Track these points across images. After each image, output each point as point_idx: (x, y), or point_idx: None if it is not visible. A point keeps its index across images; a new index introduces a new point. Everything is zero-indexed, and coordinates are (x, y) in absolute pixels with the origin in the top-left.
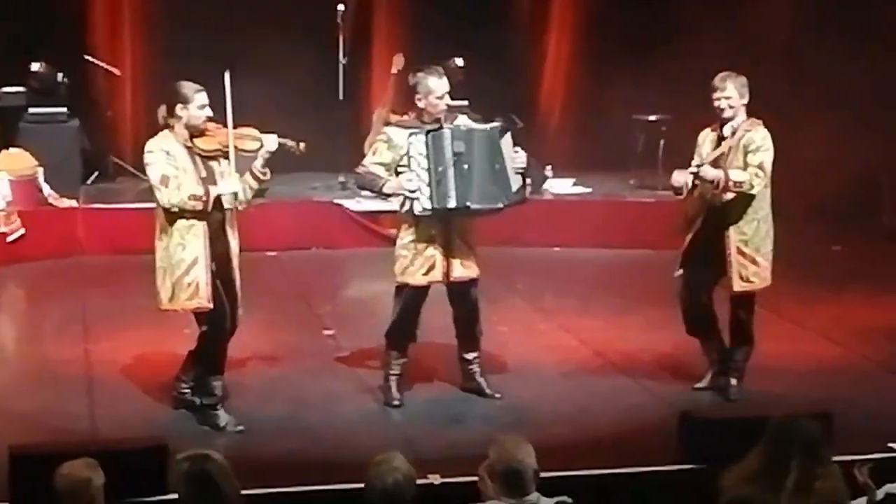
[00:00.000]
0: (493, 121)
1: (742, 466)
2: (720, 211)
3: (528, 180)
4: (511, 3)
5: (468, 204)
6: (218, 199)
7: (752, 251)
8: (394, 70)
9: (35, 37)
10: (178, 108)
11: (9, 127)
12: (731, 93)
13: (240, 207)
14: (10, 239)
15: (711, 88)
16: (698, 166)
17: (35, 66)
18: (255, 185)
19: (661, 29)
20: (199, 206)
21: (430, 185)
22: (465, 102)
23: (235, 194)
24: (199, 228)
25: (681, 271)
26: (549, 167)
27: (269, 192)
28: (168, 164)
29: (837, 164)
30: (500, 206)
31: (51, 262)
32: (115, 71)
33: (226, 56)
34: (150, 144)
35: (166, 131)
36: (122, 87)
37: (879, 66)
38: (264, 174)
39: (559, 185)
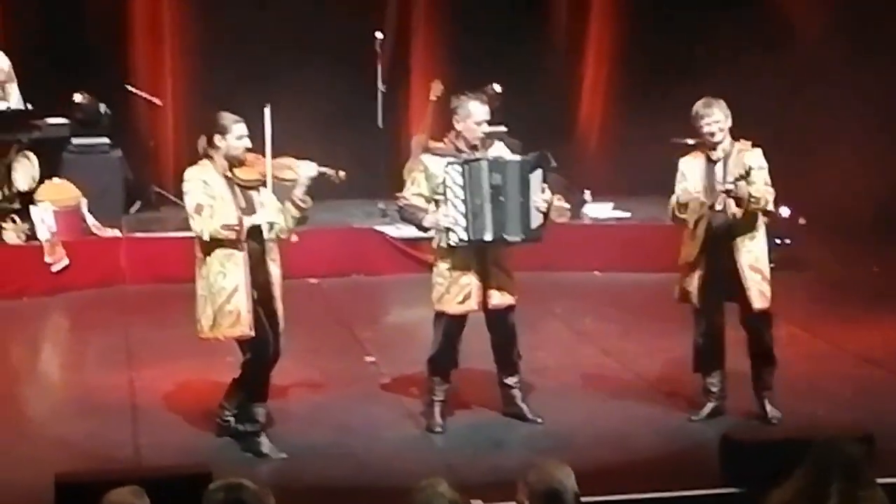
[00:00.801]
0: (527, 153)
1: (783, 490)
2: (727, 232)
3: (567, 206)
4: (548, 29)
5: (505, 236)
6: (256, 229)
7: (762, 268)
8: (432, 97)
9: (77, 68)
10: (217, 139)
11: (52, 158)
12: (718, 117)
13: (282, 236)
14: (54, 269)
15: (697, 117)
16: (733, 183)
17: (77, 98)
18: (296, 213)
19: (699, 52)
20: (232, 235)
21: (465, 216)
22: (504, 128)
23: (271, 225)
24: (239, 258)
25: (694, 303)
26: (587, 191)
27: (310, 220)
28: (204, 193)
29: (876, 185)
30: (518, 239)
31: (94, 291)
32: (157, 101)
33: (265, 84)
34: (189, 173)
35: (205, 161)
36: (163, 117)
37: None
38: (305, 202)
39: (598, 210)
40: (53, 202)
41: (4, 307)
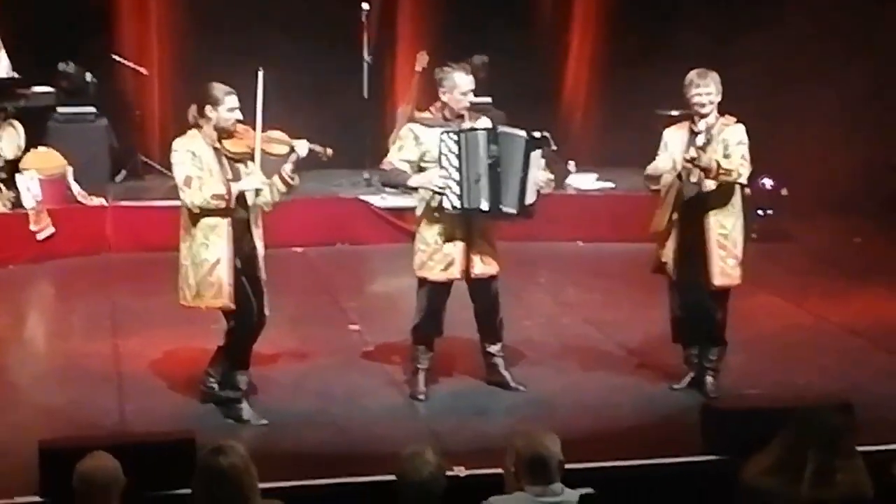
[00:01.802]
0: (531, 132)
1: (762, 457)
2: (699, 204)
3: (552, 175)
4: (534, 1)
5: (501, 207)
6: (243, 197)
7: (730, 245)
8: (418, 68)
9: (63, 37)
10: (208, 110)
11: (38, 126)
12: (711, 89)
13: (266, 209)
14: (40, 237)
15: (690, 85)
16: (699, 149)
17: (63, 66)
18: (283, 188)
19: (683, 25)
20: (221, 204)
21: (460, 183)
22: (489, 99)
23: (258, 192)
24: (223, 228)
25: (670, 275)
26: (571, 162)
27: (296, 189)
28: (193, 164)
29: (858, 158)
30: (515, 212)
31: (80, 259)
32: (143, 70)
33: (251, 55)
34: (177, 144)
35: (194, 131)
36: (149, 86)
37: None
38: (293, 179)
39: (582, 181)
40: (39, 170)
41: None
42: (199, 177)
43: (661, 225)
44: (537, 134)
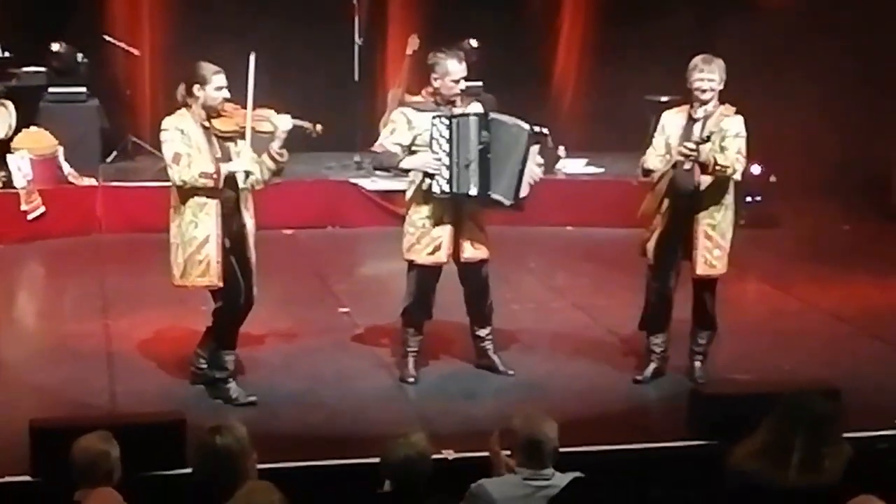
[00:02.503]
0: (533, 125)
1: (750, 442)
2: (692, 195)
3: (541, 160)
4: None
5: (489, 193)
6: (232, 177)
7: (718, 236)
8: (409, 51)
9: (55, 17)
10: (196, 89)
11: (29, 106)
12: (714, 76)
13: (256, 187)
14: (30, 217)
15: (694, 69)
16: (698, 144)
17: (55, 47)
18: (272, 166)
19: (674, 10)
20: (209, 183)
21: (450, 168)
22: (479, 83)
23: (248, 173)
24: (212, 207)
25: (649, 259)
26: (562, 147)
27: (286, 171)
28: (182, 142)
29: (846, 144)
30: (507, 203)
31: (70, 239)
32: (134, 51)
33: (243, 36)
34: (167, 122)
35: (183, 110)
36: (140, 67)
37: (890, 46)
38: (281, 155)
39: (572, 165)
40: (30, 150)
41: None
42: (187, 154)
43: (650, 210)
44: (538, 129)
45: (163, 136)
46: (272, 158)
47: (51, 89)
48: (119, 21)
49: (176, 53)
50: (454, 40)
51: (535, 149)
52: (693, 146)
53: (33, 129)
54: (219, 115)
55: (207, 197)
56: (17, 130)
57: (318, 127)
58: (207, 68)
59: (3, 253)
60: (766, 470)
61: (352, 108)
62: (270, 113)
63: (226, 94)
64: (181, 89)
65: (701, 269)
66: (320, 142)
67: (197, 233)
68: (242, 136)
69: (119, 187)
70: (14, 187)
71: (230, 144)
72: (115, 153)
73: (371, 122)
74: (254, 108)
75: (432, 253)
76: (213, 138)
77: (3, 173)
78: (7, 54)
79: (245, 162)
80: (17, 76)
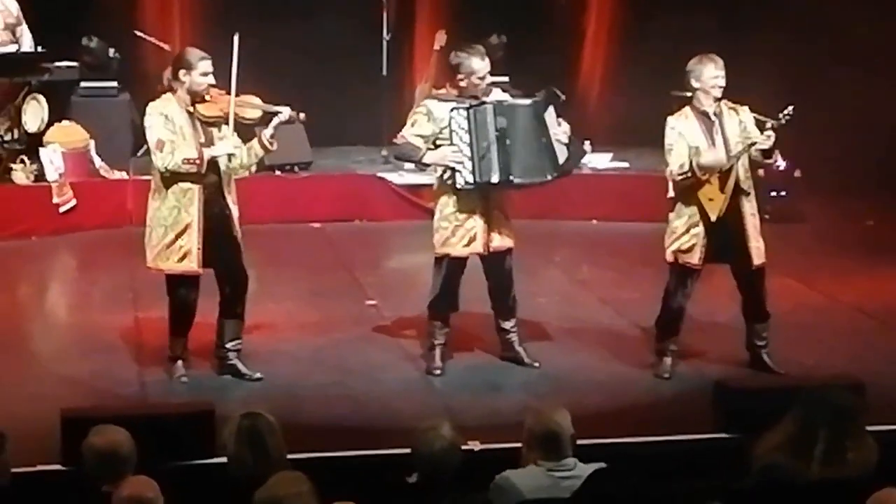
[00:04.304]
0: (534, 95)
1: (774, 435)
2: (738, 189)
3: (568, 153)
4: None
5: (511, 178)
6: (214, 161)
7: (758, 223)
8: (436, 46)
9: (87, 12)
10: (182, 74)
11: (61, 100)
12: (723, 73)
13: (240, 171)
14: (62, 209)
15: (706, 68)
16: (773, 128)
17: (87, 42)
18: (261, 153)
19: (700, 5)
20: (193, 169)
21: (472, 159)
22: (506, 78)
23: (230, 157)
24: (195, 193)
25: (692, 263)
26: (587, 142)
27: (314, 164)
28: (165, 128)
29: (871, 139)
30: (548, 178)
31: (102, 231)
32: (165, 46)
33: (273, 31)
34: (151, 108)
35: (169, 94)
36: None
37: None
38: (272, 143)
39: (598, 160)
40: (62, 144)
41: (13, 247)
42: (171, 140)
43: (721, 212)
44: (541, 93)
45: (147, 121)
46: (262, 146)
47: (83, 84)
48: (150, 17)
49: (206, 49)
50: (481, 36)
51: (550, 113)
52: (771, 135)
53: (65, 123)
54: (203, 101)
55: (191, 182)
56: (50, 124)
57: (302, 115)
58: (194, 54)
59: (36, 245)
60: (790, 463)
61: (380, 103)
62: (257, 99)
63: (211, 80)
64: (167, 73)
65: (758, 259)
66: (348, 136)
67: (180, 218)
68: (226, 122)
69: (149, 181)
70: (46, 180)
71: (213, 130)
72: (145, 147)
73: (399, 117)
74: (238, 95)
75: (468, 245)
76: (198, 123)
77: (35, 166)
78: (40, 49)
79: (227, 145)
80: (50, 70)
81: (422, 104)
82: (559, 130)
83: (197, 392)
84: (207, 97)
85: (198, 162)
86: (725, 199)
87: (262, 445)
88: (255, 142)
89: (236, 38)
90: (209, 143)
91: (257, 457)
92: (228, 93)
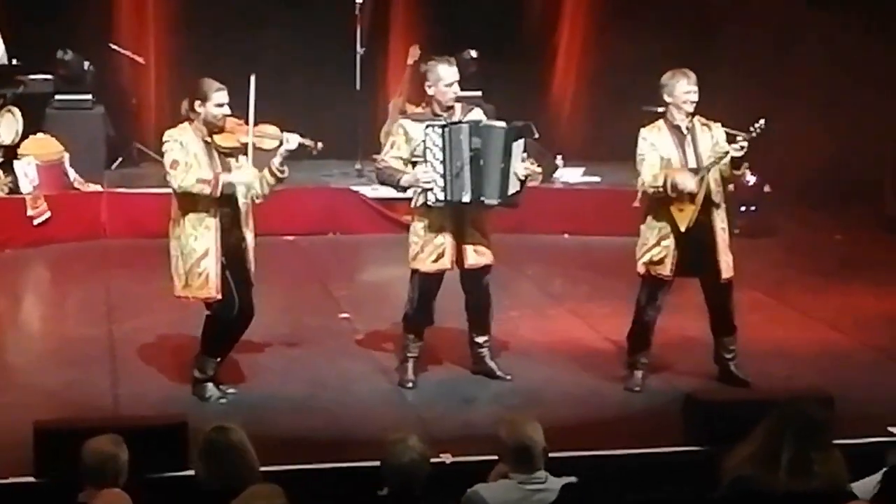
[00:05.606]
0: (511, 122)
1: (743, 447)
2: (708, 202)
3: (539, 169)
4: None
5: (483, 199)
6: (231, 193)
7: (727, 237)
8: (410, 61)
9: (62, 26)
10: (197, 105)
11: (36, 113)
12: (695, 87)
13: (257, 201)
14: (36, 222)
15: (682, 82)
16: (747, 140)
17: (62, 55)
18: (272, 181)
19: (671, 22)
20: (206, 189)
21: (444, 177)
22: (479, 93)
23: (248, 187)
24: (211, 222)
25: (664, 275)
26: (559, 156)
27: (288, 178)
28: (180, 152)
29: (840, 155)
30: (496, 202)
31: (76, 244)
32: (140, 59)
33: (246, 45)
34: (168, 134)
35: (186, 124)
36: (146, 75)
37: (886, 57)
38: (282, 171)
39: (569, 174)
40: (37, 156)
41: None
42: (185, 162)
43: (690, 224)
44: (519, 123)
45: (164, 146)
46: (273, 174)
47: (57, 96)
48: (125, 30)
49: (181, 62)
50: (455, 50)
51: (518, 143)
52: (745, 143)
53: (40, 135)
54: (221, 131)
55: (206, 210)
56: (24, 137)
57: (319, 144)
58: (209, 85)
59: (10, 258)
60: (759, 475)
61: (353, 117)
62: (275, 129)
63: (226, 110)
64: (185, 104)
65: (726, 273)
66: (322, 150)
67: (196, 245)
68: (243, 153)
69: (124, 193)
70: (20, 193)
71: (231, 160)
72: (120, 160)
73: (372, 131)
74: (256, 125)
75: (436, 260)
76: (215, 153)
77: (9, 179)
78: (15, 62)
79: (246, 175)
80: (25, 83)
81: (399, 124)
82: (520, 165)
83: (171, 404)
84: (225, 128)
85: (212, 183)
86: (695, 211)
87: (230, 459)
88: (265, 171)
89: (252, 79)
90: (226, 172)
91: (227, 469)
92: (246, 123)
